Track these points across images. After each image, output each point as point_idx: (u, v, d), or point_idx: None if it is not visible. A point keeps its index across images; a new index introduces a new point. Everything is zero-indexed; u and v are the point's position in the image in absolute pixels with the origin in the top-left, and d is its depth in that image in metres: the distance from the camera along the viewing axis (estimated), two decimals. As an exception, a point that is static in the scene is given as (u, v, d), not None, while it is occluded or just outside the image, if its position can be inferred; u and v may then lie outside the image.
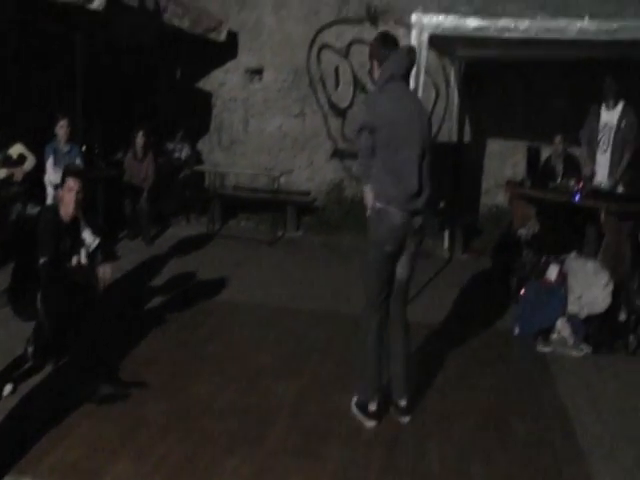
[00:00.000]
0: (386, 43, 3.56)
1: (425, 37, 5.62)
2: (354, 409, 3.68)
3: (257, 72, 9.26)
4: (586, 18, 5.24)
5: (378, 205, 3.43)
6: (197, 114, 9.44)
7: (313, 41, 8.94)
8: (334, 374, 4.23)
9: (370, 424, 3.58)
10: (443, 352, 4.66)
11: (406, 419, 3.64)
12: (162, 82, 9.39)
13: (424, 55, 5.69)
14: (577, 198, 5.95)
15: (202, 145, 9.59)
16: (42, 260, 3.75)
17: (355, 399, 3.70)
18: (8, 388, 3.74)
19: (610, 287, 4.91)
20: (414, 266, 3.59)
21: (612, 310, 4.88)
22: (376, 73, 3.58)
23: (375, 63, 3.59)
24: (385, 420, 3.63)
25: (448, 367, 4.44)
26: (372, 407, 3.61)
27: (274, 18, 9.00)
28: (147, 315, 5.21)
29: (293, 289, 6.18)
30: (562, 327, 4.91)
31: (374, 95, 3.63)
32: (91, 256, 4.23)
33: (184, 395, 3.86)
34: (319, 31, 8.91)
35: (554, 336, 4.91)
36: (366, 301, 3.59)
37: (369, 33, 8.20)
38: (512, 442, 3.48)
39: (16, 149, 6.34)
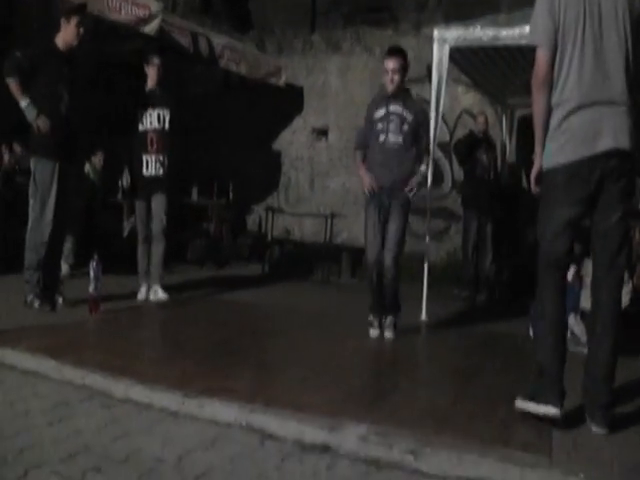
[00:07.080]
0: None
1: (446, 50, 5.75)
2: None
3: (323, 132, 9.69)
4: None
5: None
6: (268, 171, 9.93)
7: (375, 100, 9.28)
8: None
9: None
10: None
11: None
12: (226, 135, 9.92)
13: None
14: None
15: (272, 201, 9.98)
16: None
17: None
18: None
19: (629, 286, 4.52)
20: None
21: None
22: None
23: None
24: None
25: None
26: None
27: (339, 81, 9.51)
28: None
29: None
30: (574, 324, 4.48)
31: None
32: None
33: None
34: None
35: (567, 334, 4.46)
36: None
37: (429, 92, 8.43)
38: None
39: None
